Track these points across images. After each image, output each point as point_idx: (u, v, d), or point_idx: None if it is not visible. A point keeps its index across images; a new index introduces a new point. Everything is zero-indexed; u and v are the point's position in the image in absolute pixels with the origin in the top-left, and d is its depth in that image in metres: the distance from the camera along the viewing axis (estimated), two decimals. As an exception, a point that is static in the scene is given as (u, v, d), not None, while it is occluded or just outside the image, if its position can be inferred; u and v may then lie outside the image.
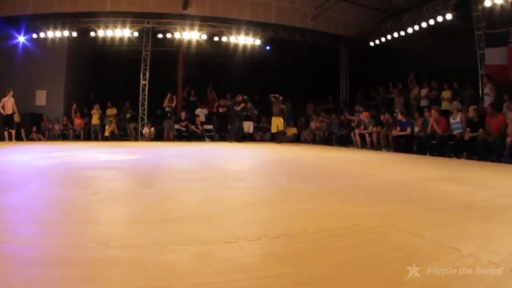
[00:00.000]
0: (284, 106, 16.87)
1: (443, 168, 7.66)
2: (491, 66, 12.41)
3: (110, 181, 4.63)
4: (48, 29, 16.67)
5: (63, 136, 17.55)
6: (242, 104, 16.55)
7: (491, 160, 9.54)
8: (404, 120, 12.72)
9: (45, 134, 17.69)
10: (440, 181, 5.50)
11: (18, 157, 7.84)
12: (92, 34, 17.16)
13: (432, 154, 11.35)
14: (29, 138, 16.65)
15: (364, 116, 14.55)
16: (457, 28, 14.42)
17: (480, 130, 10.30)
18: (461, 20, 13.92)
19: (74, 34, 17.07)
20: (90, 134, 17.62)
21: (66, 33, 16.81)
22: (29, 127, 17.12)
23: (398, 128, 12.85)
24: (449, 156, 10.79)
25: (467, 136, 10.38)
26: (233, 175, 5.66)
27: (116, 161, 7.21)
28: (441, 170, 7.12)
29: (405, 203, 3.55)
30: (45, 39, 17.14)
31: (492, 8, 12.38)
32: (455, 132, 11.07)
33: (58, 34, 16.79)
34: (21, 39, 17.09)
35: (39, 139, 17.01)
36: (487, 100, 11.74)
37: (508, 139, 9.34)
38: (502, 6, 12.08)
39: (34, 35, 17.14)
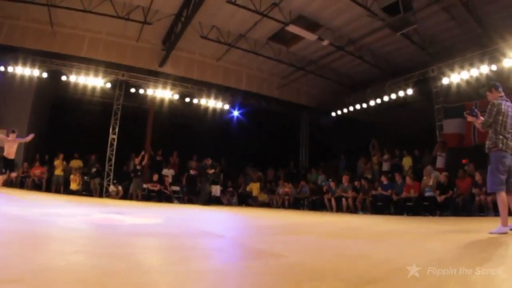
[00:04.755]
0: (261, 174, 18.28)
1: (454, 223, 8.87)
2: (448, 134, 15.11)
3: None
4: (17, 64, 16.42)
5: (21, 184, 16.65)
6: (213, 170, 17.33)
7: (464, 215, 11.53)
8: (386, 182, 14.42)
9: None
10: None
11: (16, 212, 6.67)
12: (64, 78, 17.21)
13: (408, 214, 12.99)
14: None
15: (345, 179, 15.80)
16: (416, 100, 16.84)
17: (450, 191, 12.28)
18: (421, 95, 16.47)
19: (45, 74, 16.93)
20: (50, 186, 16.77)
21: (36, 72, 16.69)
22: None
23: (380, 188, 14.49)
24: (424, 215, 12.49)
25: (441, 198, 12.27)
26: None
27: (157, 226, 6.55)
28: (458, 225, 8.21)
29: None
30: (13, 74, 16.70)
31: (449, 85, 15.15)
32: (427, 194, 13.02)
33: (27, 71, 16.58)
34: None
35: (-6, 185, 15.92)
36: (440, 162, 14.70)
37: (477, 198, 11.42)
38: (458, 83, 14.86)
39: (1, 68, 16.61)
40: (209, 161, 17.46)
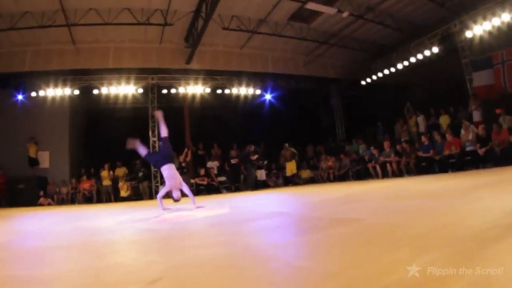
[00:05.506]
0: (294, 150, 18.76)
1: (497, 174, 9.37)
2: (479, 87, 15.49)
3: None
4: (48, 87, 17.64)
5: (72, 200, 17.69)
6: (256, 155, 18.10)
7: (505, 165, 11.80)
8: (427, 143, 14.96)
9: (54, 197, 17.52)
10: None
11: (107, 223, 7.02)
12: (95, 91, 18.19)
13: (452, 171, 13.44)
14: (38, 204, 16.51)
15: (386, 145, 16.34)
16: (443, 57, 17.00)
17: (489, 143, 12.82)
18: (447, 51, 16.77)
19: (76, 92, 17.96)
20: (101, 197, 17.94)
21: (67, 91, 17.84)
22: (36, 191, 16.99)
23: (421, 151, 15.10)
24: (468, 169, 13.04)
25: (481, 151, 12.90)
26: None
27: (229, 215, 6.87)
28: (502, 175, 8.75)
29: None
30: (45, 97, 17.87)
31: (473, 38, 15.43)
32: (468, 148, 13.60)
33: (59, 92, 17.63)
34: (20, 97, 17.83)
35: (49, 204, 16.78)
36: (476, 115, 14.97)
37: (517, 147, 11.85)
38: (481, 35, 15.13)
39: (33, 93, 17.82)
40: (251, 148, 18.29)
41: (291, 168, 18.52)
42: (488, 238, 2.56)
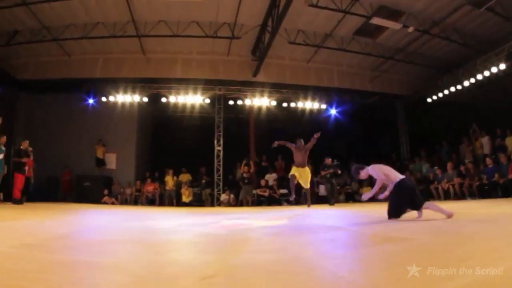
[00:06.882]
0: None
1: None
2: None
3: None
4: (118, 93, 18.95)
5: (135, 201, 18.95)
6: (331, 170, 16.97)
7: None
8: (491, 165, 14.87)
9: (117, 197, 18.92)
10: None
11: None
12: (163, 99, 19.29)
13: None
14: (102, 202, 17.91)
15: (449, 167, 16.26)
16: (510, 74, 16.37)
17: None
18: None
19: (145, 99, 19.18)
20: (163, 200, 18.81)
21: (136, 97, 19.15)
22: (101, 190, 18.49)
23: (485, 176, 14.92)
24: None
25: None
26: None
27: (286, 226, 7.09)
28: None
29: None
30: (115, 102, 19.32)
31: None
32: None
33: (128, 98, 18.98)
34: (90, 101, 19.42)
35: (113, 203, 18.08)
36: None
37: None
38: None
39: (103, 98, 19.28)
40: (329, 161, 17.22)
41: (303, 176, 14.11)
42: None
